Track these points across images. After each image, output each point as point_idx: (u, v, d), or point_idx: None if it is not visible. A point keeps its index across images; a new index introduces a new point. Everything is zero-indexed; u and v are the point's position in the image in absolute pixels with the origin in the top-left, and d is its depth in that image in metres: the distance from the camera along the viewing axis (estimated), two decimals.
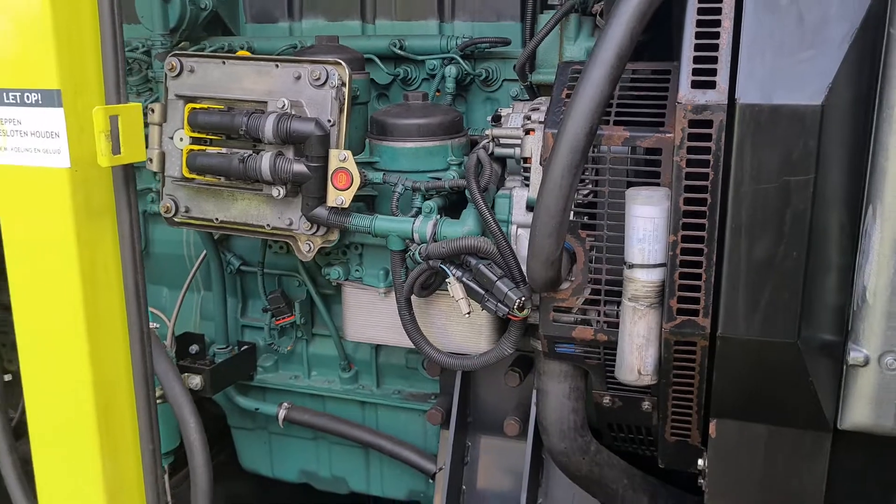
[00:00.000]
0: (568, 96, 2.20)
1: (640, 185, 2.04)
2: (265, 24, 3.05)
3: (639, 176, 2.07)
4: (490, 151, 2.35)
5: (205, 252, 3.00)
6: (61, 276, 1.86)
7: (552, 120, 2.15)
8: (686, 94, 1.85)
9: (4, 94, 1.80)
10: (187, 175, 2.44)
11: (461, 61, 2.68)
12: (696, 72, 1.86)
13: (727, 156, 1.84)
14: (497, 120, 2.46)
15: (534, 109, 2.32)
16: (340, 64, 2.34)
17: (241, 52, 2.65)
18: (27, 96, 1.78)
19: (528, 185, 2.29)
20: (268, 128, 2.26)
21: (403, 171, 2.43)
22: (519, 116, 2.36)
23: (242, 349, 3.08)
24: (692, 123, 1.85)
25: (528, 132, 2.28)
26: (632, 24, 1.81)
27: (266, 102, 2.37)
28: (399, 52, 2.74)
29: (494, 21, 2.75)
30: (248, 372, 3.12)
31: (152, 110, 2.52)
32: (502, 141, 2.34)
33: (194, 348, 3.04)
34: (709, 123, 1.84)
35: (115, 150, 1.80)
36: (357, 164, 2.30)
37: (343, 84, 2.35)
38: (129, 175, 1.89)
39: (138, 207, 1.96)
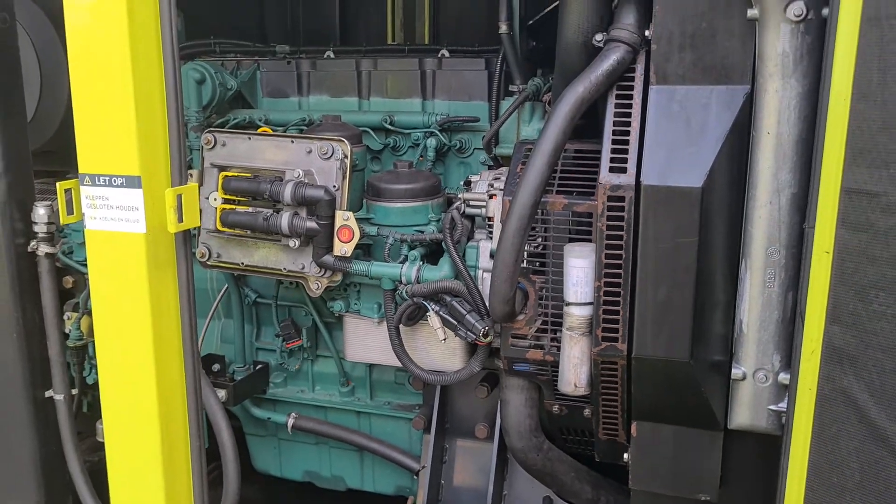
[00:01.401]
0: (522, 171, 2.83)
1: (576, 240, 2.66)
2: (279, 99, 3.66)
3: (576, 233, 2.68)
4: (462, 211, 2.97)
5: (226, 286, 3.59)
6: (136, 314, 2.46)
7: (509, 189, 2.77)
8: (605, 176, 2.48)
9: (97, 178, 2.40)
10: (220, 228, 3.04)
11: (439, 134, 3.30)
12: (612, 160, 2.48)
13: (636, 222, 2.46)
14: (468, 185, 3.08)
15: (496, 178, 2.95)
16: (343, 141, 2.95)
17: (262, 129, 3.26)
18: (114, 180, 2.38)
19: (491, 238, 2.91)
20: (286, 193, 2.86)
21: (393, 225, 3.04)
22: (485, 183, 2.98)
23: (258, 368, 3.66)
24: (610, 198, 2.48)
25: (491, 196, 2.90)
26: (563, 125, 2.44)
27: (284, 172, 2.97)
28: (389, 126, 3.36)
29: (466, 100, 3.37)
30: (263, 387, 3.70)
31: (191, 175, 3.12)
32: (471, 202, 2.96)
33: (216, 367, 3.62)
34: (622, 199, 2.46)
35: (179, 219, 2.41)
36: (357, 220, 2.91)
37: (345, 157, 2.96)
38: (186, 237, 2.49)
39: (192, 261, 2.57)
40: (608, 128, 2.51)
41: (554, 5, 3.05)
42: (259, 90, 3.67)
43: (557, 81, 2.80)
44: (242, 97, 3.62)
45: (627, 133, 2.48)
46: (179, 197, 2.37)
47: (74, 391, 3.26)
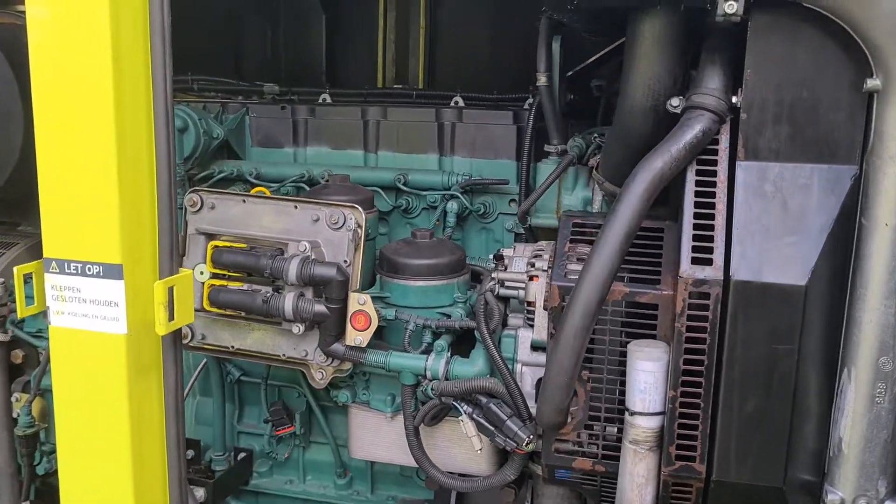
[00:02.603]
0: (571, 250, 2.41)
1: (637, 336, 2.25)
2: (271, 150, 3.19)
3: (636, 327, 2.27)
4: (496, 293, 2.53)
5: (204, 360, 3.09)
6: (111, 432, 1.96)
7: (558, 273, 2.34)
8: (687, 269, 2.07)
9: (66, 264, 1.90)
10: (208, 308, 2.55)
11: (462, 197, 2.87)
12: (695, 249, 2.08)
13: (722, 324, 2.06)
14: (499, 259, 2.65)
15: (536, 256, 2.52)
16: (356, 209, 2.50)
17: (257, 189, 2.79)
18: (89, 268, 1.88)
19: (531, 326, 2.48)
20: (291, 272, 2.39)
21: (413, 307, 2.59)
22: (522, 261, 2.55)
23: (240, 457, 3.16)
24: (692, 295, 2.07)
25: (532, 278, 2.48)
26: (639, 207, 2.04)
27: (286, 243, 2.50)
28: (403, 186, 2.92)
29: (491, 158, 2.96)
30: (246, 478, 3.20)
31: None
32: (507, 283, 2.53)
33: (191, 454, 3.10)
34: (706, 296, 2.06)
35: (170, 317, 1.92)
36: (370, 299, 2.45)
37: (359, 226, 2.51)
38: (177, 335, 2.00)
39: (182, 364, 2.07)
40: (688, 210, 2.11)
41: (602, 54, 2.66)
42: (248, 138, 3.20)
43: (615, 148, 2.40)
44: (228, 146, 3.13)
45: (711, 217, 2.08)
46: (171, 290, 1.88)
47: None
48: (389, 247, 2.70)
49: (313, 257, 2.45)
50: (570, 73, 2.84)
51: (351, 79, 4.67)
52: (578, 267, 2.38)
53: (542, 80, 2.67)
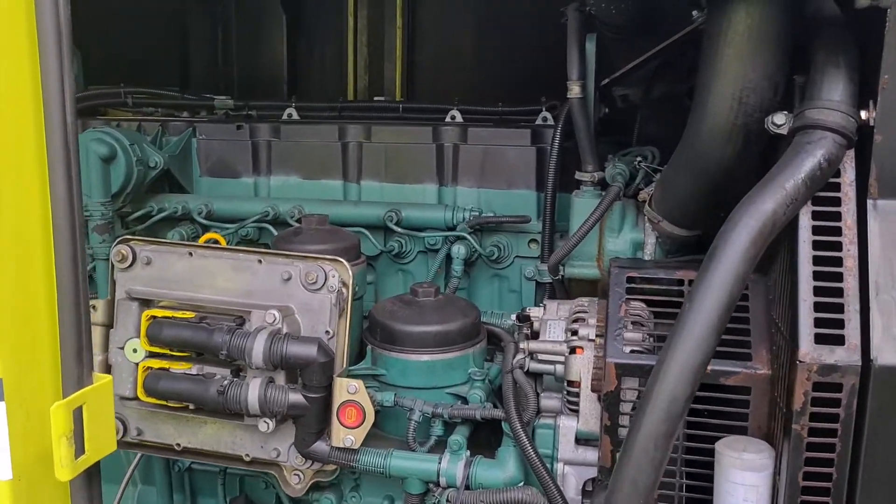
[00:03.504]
0: (626, 312, 1.84)
1: (723, 430, 1.68)
2: (225, 180, 2.56)
3: (721, 417, 1.70)
4: (525, 369, 1.94)
5: None
6: None
7: (613, 346, 1.77)
8: (809, 350, 1.50)
9: None
10: (144, 399, 1.92)
11: (470, 239, 2.28)
12: (818, 322, 1.51)
13: (859, 425, 1.50)
14: (524, 321, 2.06)
15: (577, 319, 1.94)
16: (341, 262, 1.90)
17: (208, 236, 2.16)
18: None
19: (575, 413, 1.89)
20: (257, 352, 1.78)
21: (417, 388, 1.99)
22: (558, 325, 1.97)
23: None
24: (817, 386, 1.50)
25: (573, 350, 1.89)
26: (743, 268, 1.48)
27: (249, 311, 1.88)
28: (395, 227, 2.31)
29: (504, 188, 2.37)
30: None
31: (94, 307, 2.00)
32: (541, 356, 1.94)
33: None
34: (837, 387, 1.50)
35: (79, 451, 1.29)
36: (358, 376, 1.85)
37: (344, 285, 1.91)
38: (92, 474, 1.37)
39: None
40: (804, 267, 1.55)
41: (650, 55, 2.09)
42: (195, 166, 2.57)
43: (682, 178, 1.84)
44: (170, 176, 2.49)
45: (839, 277, 1.53)
46: (79, 412, 1.26)
47: None
48: (382, 308, 2.09)
49: (285, 331, 1.84)
50: (605, 82, 2.26)
51: (316, 90, 4.06)
52: (637, 335, 1.81)
53: (574, 90, 2.09)
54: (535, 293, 2.37)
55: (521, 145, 2.36)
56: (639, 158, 2.24)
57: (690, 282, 1.86)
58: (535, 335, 2.11)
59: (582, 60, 2.09)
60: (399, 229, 2.31)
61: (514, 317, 2.13)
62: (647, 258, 2.08)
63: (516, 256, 2.37)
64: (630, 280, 1.90)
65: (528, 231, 2.33)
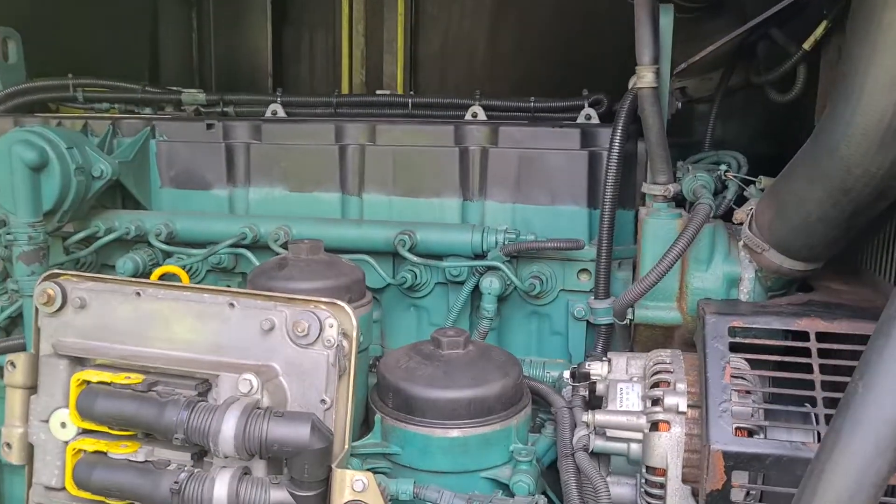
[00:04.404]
0: (736, 377, 1.34)
1: None
2: (191, 192, 2.06)
3: None
4: (590, 449, 1.45)
5: None
6: None
7: (720, 429, 1.29)
8: None
9: None
10: (73, 492, 1.41)
11: (506, 269, 1.78)
12: None
13: None
14: (581, 380, 1.57)
15: (659, 382, 1.44)
16: (340, 306, 1.40)
17: (166, 270, 1.65)
18: None
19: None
20: (226, 436, 1.29)
21: (442, 471, 1.49)
22: (632, 391, 1.47)
23: None
24: None
25: (655, 425, 1.40)
26: None
27: (217, 374, 1.39)
28: (408, 253, 1.81)
29: (547, 204, 1.88)
30: None
31: (12, 365, 1.50)
32: (610, 432, 1.44)
33: None
34: None
35: None
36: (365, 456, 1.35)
37: (345, 337, 1.41)
38: None
39: None
40: None
41: (745, 30, 1.62)
42: (154, 175, 2.06)
43: (810, 195, 1.35)
44: (122, 187, 1.99)
45: None
46: None
47: None
48: (396, 363, 1.59)
49: (266, 402, 1.35)
50: (681, 67, 1.77)
51: (305, 85, 3.56)
52: (747, 410, 1.32)
53: (647, 77, 1.60)
54: (586, 338, 1.88)
55: (569, 149, 1.87)
56: (723, 167, 1.75)
57: (821, 336, 1.38)
58: (595, 399, 1.62)
59: (656, 39, 1.60)
60: (414, 257, 1.81)
61: (566, 374, 1.64)
62: (743, 298, 1.58)
63: (561, 290, 1.88)
64: (733, 332, 1.41)
65: (577, 259, 1.84)
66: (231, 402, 1.34)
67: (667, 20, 1.63)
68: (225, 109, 2.38)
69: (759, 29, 1.96)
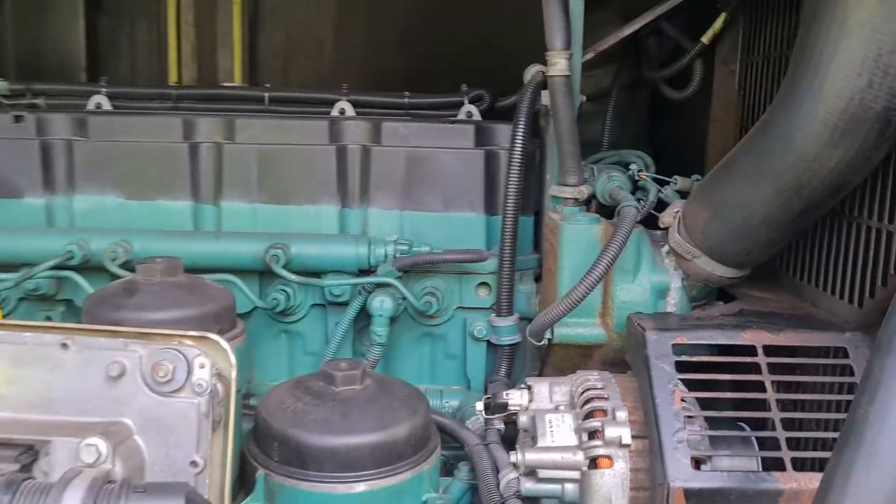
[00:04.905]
0: (683, 403, 1.18)
1: None
2: None
3: None
4: (518, 493, 1.24)
5: None
6: None
7: (677, 462, 1.12)
8: None
9: None
10: None
11: (400, 287, 1.54)
12: None
13: None
14: (495, 411, 1.36)
15: (594, 412, 1.25)
16: (215, 342, 1.11)
17: None
18: None
19: None
20: None
21: None
22: (563, 422, 1.28)
23: None
24: None
25: (594, 462, 1.21)
26: None
27: (47, 439, 1.05)
28: (281, 270, 1.52)
29: (438, 210, 1.65)
30: None
31: None
32: (541, 473, 1.24)
33: None
34: None
35: None
36: None
37: (220, 379, 1.13)
38: None
39: None
40: None
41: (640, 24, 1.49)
42: None
43: (754, 194, 1.22)
44: None
45: None
46: None
47: None
48: (279, 404, 1.30)
49: (119, 473, 1.03)
50: (589, 55, 1.61)
51: (125, 82, 3.12)
52: (698, 438, 1.16)
53: (559, 64, 1.42)
54: (486, 360, 1.67)
55: (463, 147, 1.65)
56: (633, 167, 1.61)
57: (769, 350, 1.25)
58: (511, 433, 1.41)
59: (567, 23, 1.42)
60: (291, 275, 1.52)
61: (479, 405, 1.41)
62: (670, 310, 1.44)
63: (458, 307, 1.66)
64: (678, 350, 1.25)
65: (475, 272, 1.63)
66: (71, 476, 1.00)
67: (578, 4, 1.47)
68: (34, 101, 1.97)
69: (650, 23, 1.85)
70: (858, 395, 0.90)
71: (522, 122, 1.55)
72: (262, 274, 1.61)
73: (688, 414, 1.19)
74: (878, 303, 1.23)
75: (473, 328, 1.64)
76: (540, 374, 1.56)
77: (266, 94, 1.97)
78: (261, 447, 1.30)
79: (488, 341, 1.65)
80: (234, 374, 1.16)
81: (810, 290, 1.44)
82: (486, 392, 1.66)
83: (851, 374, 1.23)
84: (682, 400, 1.20)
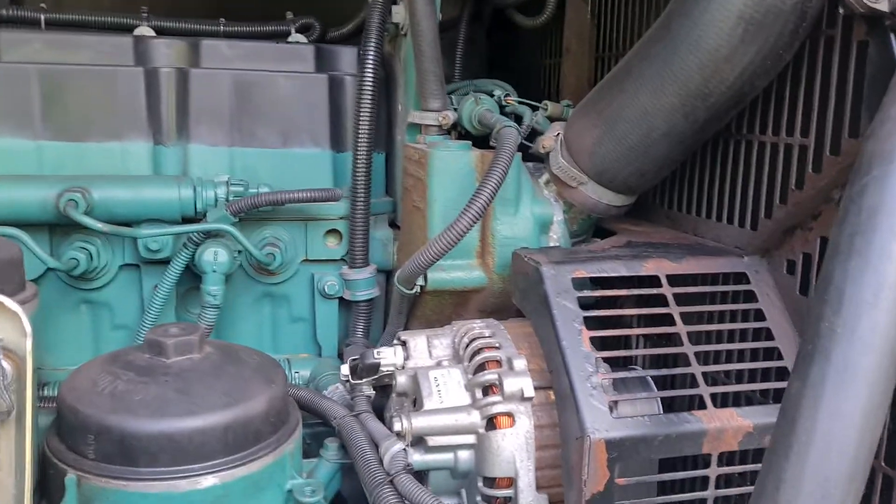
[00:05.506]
0: (592, 344, 1.03)
1: None
2: None
3: None
4: (409, 466, 1.04)
5: None
6: None
7: (593, 409, 0.98)
8: None
9: None
10: None
11: (239, 235, 1.27)
12: None
13: None
14: (364, 374, 1.15)
15: (486, 363, 1.07)
16: (2, 306, 0.81)
17: None
18: None
19: None
20: None
21: None
22: (450, 377, 1.09)
23: None
24: None
25: (491, 422, 1.04)
26: None
27: None
28: (86, 220, 1.20)
29: (275, 147, 1.39)
30: None
31: None
32: (431, 443, 1.05)
33: None
34: None
35: None
36: None
37: (10, 357, 0.83)
38: None
39: None
40: None
41: None
42: None
43: (652, 108, 1.09)
44: None
45: None
46: None
47: None
48: (91, 389, 1.01)
49: None
50: None
51: None
52: (611, 382, 1.03)
53: None
54: (339, 321, 1.44)
55: (302, 72, 1.40)
56: (498, 92, 1.44)
57: (673, 279, 1.13)
58: (382, 400, 1.21)
59: None
60: (99, 224, 1.20)
61: (344, 369, 1.19)
62: (552, 244, 1.29)
63: (304, 261, 1.41)
64: (578, 285, 1.09)
65: (321, 217, 1.39)
66: None
67: None
68: None
69: None
70: (818, 307, 0.79)
71: (374, 41, 1.33)
72: (53, 228, 1.28)
73: (598, 355, 1.04)
74: (776, 223, 1.14)
75: (323, 284, 1.41)
76: (405, 329, 1.36)
77: (42, 16, 1.60)
78: (68, 443, 1.00)
79: (340, 298, 1.42)
80: (29, 345, 0.86)
81: (691, 220, 1.35)
82: (340, 357, 1.44)
83: (755, 299, 1.14)
84: (590, 340, 1.05)
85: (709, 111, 1.08)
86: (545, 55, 1.84)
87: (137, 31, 1.60)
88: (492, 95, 1.46)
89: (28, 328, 0.86)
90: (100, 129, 1.33)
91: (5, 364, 0.86)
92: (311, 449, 1.23)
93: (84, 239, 1.28)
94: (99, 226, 1.19)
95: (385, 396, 1.28)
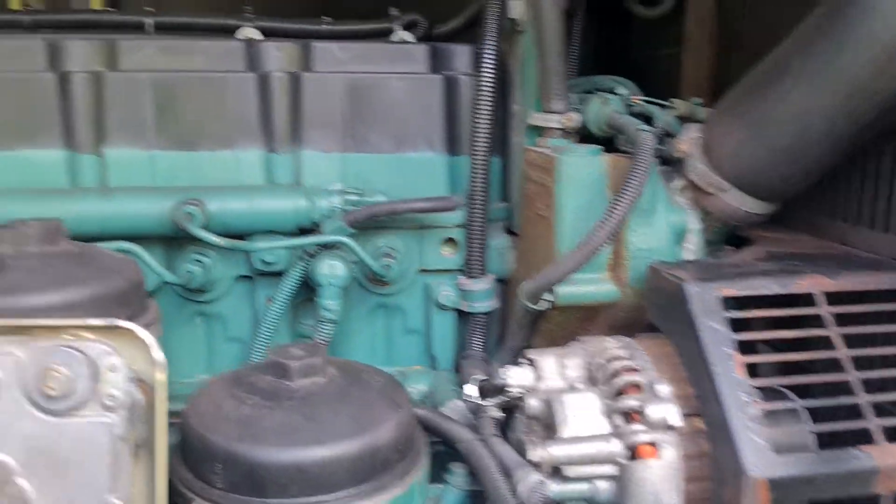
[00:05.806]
0: (745, 370, 0.94)
1: None
2: None
3: None
4: (547, 501, 0.98)
5: None
6: None
7: (751, 444, 0.89)
8: None
9: None
10: None
11: (356, 247, 1.22)
12: None
13: None
14: (491, 393, 1.09)
15: (627, 387, 1.00)
16: (131, 333, 0.78)
17: None
18: None
19: None
20: None
21: None
22: (585, 404, 1.02)
23: None
24: None
25: (634, 452, 0.96)
26: None
27: None
28: (208, 234, 1.17)
29: (389, 151, 1.34)
30: None
31: None
32: (569, 474, 0.98)
33: None
34: None
35: None
36: None
37: (141, 386, 0.79)
38: None
39: None
40: None
41: None
42: None
43: (805, 96, 0.99)
44: None
45: None
46: None
47: None
48: (216, 413, 0.98)
49: None
50: None
51: None
52: (781, 406, 0.94)
53: None
54: (455, 334, 1.38)
55: (416, 73, 1.35)
56: (622, 90, 1.35)
57: (832, 297, 1.03)
58: (509, 423, 1.14)
59: None
60: (213, 237, 1.17)
61: (470, 390, 1.13)
62: (689, 257, 1.20)
63: (420, 271, 1.36)
64: (728, 303, 1.01)
65: (437, 225, 1.33)
66: None
67: None
68: None
69: None
70: None
71: (492, 38, 1.26)
72: (168, 242, 1.26)
73: (753, 383, 0.96)
74: None
75: (439, 294, 1.35)
76: (529, 347, 1.30)
77: (149, 21, 1.59)
78: (195, 471, 0.97)
79: (457, 310, 1.37)
80: (160, 376, 0.83)
81: (837, 227, 1.24)
82: (457, 371, 1.38)
83: None
84: (740, 365, 0.96)
85: (874, 110, 0.98)
86: (661, 45, 1.74)
87: (241, 33, 1.57)
88: (614, 94, 1.37)
89: (158, 357, 0.83)
90: (212, 137, 1.30)
91: (139, 396, 0.83)
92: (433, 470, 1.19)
93: (199, 251, 1.25)
94: (218, 240, 1.16)
95: (507, 414, 1.22)
